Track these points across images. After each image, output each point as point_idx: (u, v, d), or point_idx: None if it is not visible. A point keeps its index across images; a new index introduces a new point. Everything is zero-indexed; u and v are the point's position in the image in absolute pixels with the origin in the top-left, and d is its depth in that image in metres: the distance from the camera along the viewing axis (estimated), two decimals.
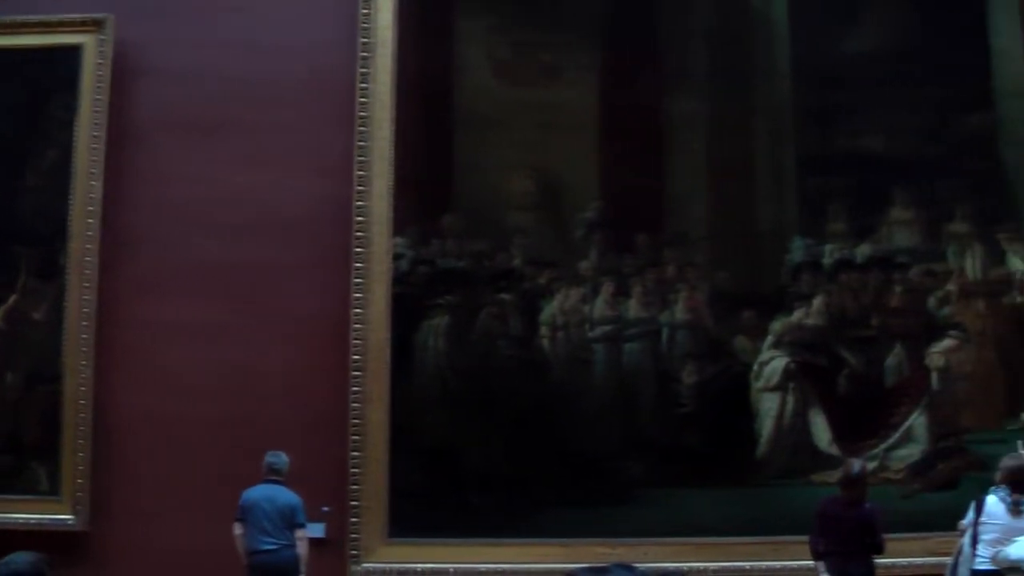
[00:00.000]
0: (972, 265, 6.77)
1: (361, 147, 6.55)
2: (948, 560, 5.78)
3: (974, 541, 5.61)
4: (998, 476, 5.66)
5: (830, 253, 6.71)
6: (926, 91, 6.83)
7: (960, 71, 6.87)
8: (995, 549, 5.10)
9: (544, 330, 6.61)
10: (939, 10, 6.96)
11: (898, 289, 6.71)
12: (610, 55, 6.79)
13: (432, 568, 6.34)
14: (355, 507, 6.35)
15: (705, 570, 6.33)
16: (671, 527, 6.44)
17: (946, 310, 6.75)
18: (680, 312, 6.65)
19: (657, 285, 6.66)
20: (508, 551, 6.37)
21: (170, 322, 6.57)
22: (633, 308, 6.65)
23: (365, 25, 6.61)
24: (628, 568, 2.58)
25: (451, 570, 6.34)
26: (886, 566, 6.08)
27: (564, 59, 6.70)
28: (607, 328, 6.64)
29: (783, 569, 6.28)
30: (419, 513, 6.39)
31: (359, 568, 6.34)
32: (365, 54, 6.59)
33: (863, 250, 6.73)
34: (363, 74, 6.57)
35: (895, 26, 6.97)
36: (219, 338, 6.56)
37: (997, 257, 6.79)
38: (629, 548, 6.09)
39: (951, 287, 6.75)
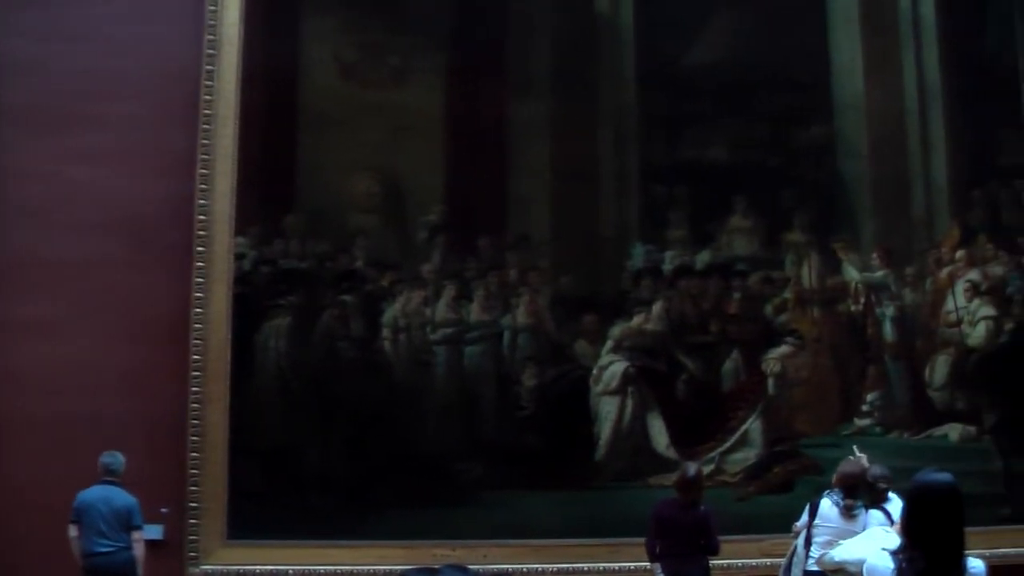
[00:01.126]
0: (809, 273, 7.40)
1: (205, 145, 6.87)
2: (782, 561, 6.31)
3: (807, 543, 6.11)
4: (833, 480, 6.21)
5: (671, 259, 7.27)
6: (768, 103, 7.48)
7: (801, 85, 7.57)
8: (822, 551, 5.51)
9: (386, 332, 7.02)
10: (783, 24, 7.59)
11: (736, 296, 7.32)
12: (456, 58, 7.27)
13: (271, 570, 6.65)
14: (194, 508, 6.62)
15: (544, 572, 6.78)
16: (510, 529, 6.87)
17: (783, 317, 7.36)
18: (521, 316, 7.13)
19: (499, 288, 7.14)
20: (348, 552, 6.72)
21: (8, 320, 6.81)
22: (475, 311, 7.10)
23: (212, 22, 6.96)
24: (461, 569, 2.86)
25: (290, 572, 6.65)
26: (721, 568, 6.62)
27: (410, 61, 7.14)
28: (448, 331, 7.07)
29: (620, 571, 6.66)
30: (259, 514, 6.70)
31: (197, 570, 6.60)
32: (211, 51, 6.95)
33: (703, 257, 7.31)
34: (208, 71, 6.92)
35: (740, 38, 7.60)
36: (57, 336, 6.78)
37: (833, 266, 7.45)
38: (469, 550, 6.53)
39: (788, 294, 7.37)
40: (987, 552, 6.49)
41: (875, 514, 5.91)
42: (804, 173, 7.47)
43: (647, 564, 6.30)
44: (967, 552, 3.21)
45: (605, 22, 7.44)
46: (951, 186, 7.65)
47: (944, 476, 3.29)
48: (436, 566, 2.83)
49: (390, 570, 6.45)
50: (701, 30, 7.58)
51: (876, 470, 6.18)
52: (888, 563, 3.16)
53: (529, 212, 7.26)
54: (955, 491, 3.24)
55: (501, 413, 7.08)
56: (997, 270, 7.58)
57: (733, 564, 6.73)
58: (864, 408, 7.35)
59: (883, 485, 5.91)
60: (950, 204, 7.63)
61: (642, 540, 6.32)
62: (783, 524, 6.34)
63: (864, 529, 5.79)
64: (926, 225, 7.61)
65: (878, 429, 7.35)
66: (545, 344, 7.15)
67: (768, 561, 6.59)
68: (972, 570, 3.20)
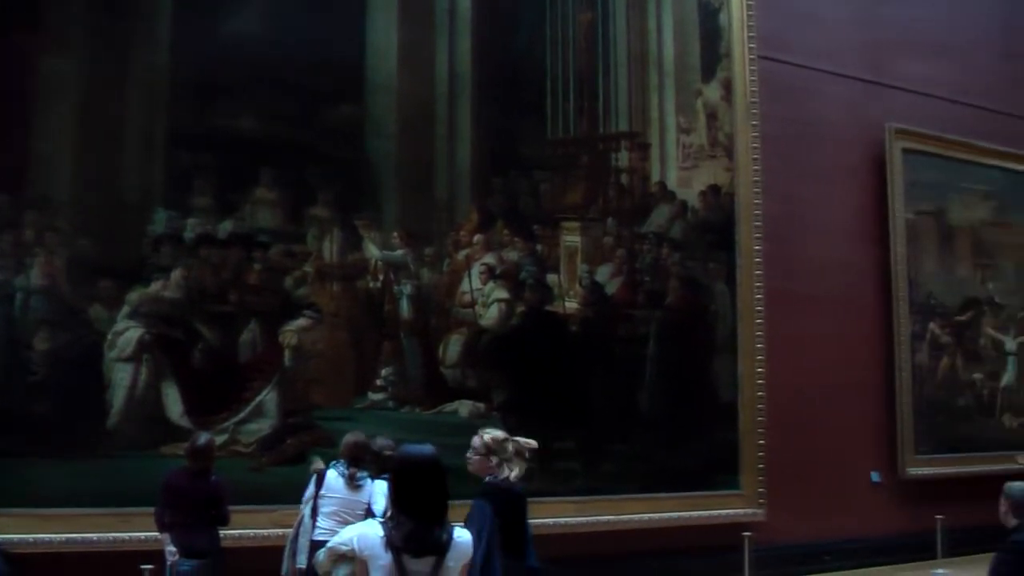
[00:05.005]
0: (330, 248, 9.19)
1: None
2: (290, 532, 7.76)
3: (314, 513, 7.62)
4: (339, 451, 7.81)
5: (192, 227, 8.71)
6: (301, 79, 9.16)
7: (335, 64, 9.38)
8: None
9: None
10: (322, 1, 9.37)
11: (257, 267, 8.89)
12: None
13: None
14: None
15: (52, 542, 7.86)
16: (17, 497, 7.88)
17: (302, 290, 9.08)
18: (35, 277, 8.29)
19: (13, 248, 8.28)
20: None
21: None
22: None
23: None
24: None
25: None
26: (233, 537, 8.04)
27: None
28: None
29: (131, 540, 7.68)
30: None
31: None
32: None
33: (225, 226, 8.81)
34: None
35: (278, 10, 9.26)
36: None
37: (355, 242, 9.27)
38: None
39: (309, 268, 9.10)
40: None
41: (380, 484, 7.46)
42: (332, 150, 9.19)
43: (158, 534, 7.30)
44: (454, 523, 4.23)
45: None
46: (473, 172, 9.84)
47: (426, 448, 4.20)
48: None
49: None
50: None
51: (381, 441, 7.87)
52: (378, 531, 3.99)
53: (51, 171, 8.43)
54: (436, 462, 4.13)
55: (9, 378, 8.11)
56: (512, 255, 9.94)
57: (244, 534, 8.24)
58: (378, 383, 9.26)
59: (389, 454, 7.11)
60: (471, 190, 9.85)
61: (152, 510, 7.30)
62: (296, 495, 7.88)
63: (369, 498, 7.52)
64: (447, 208, 9.72)
65: (391, 403, 9.29)
66: (60, 307, 8.28)
67: (279, 531, 7.84)
68: (458, 539, 4.06)
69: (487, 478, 5.94)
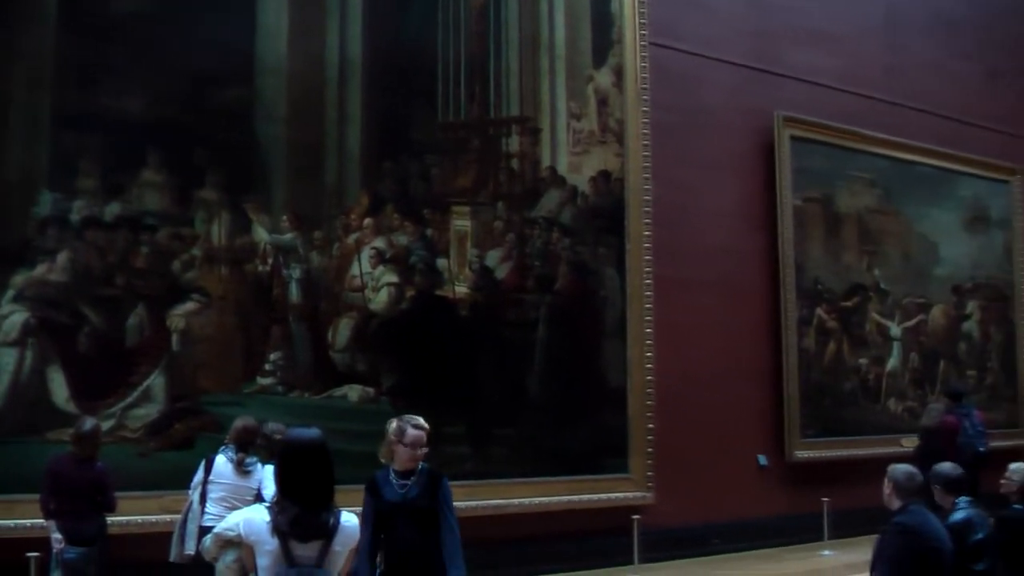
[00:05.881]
0: (219, 232, 9.48)
1: None
2: (178, 517, 7.95)
3: (203, 499, 7.86)
4: (228, 436, 8.10)
5: (79, 209, 8.91)
6: (190, 59, 9.46)
7: (225, 44, 9.66)
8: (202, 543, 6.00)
9: None
10: None
11: (144, 250, 9.14)
12: None
13: None
14: None
15: None
16: None
17: (190, 274, 9.35)
18: None
19: None
20: None
21: None
22: None
23: None
24: None
25: None
26: (121, 524, 8.31)
27: None
28: None
29: (16, 527, 7.86)
30: None
31: None
32: None
33: (112, 209, 9.05)
34: None
35: None
36: None
37: (244, 226, 9.55)
38: None
39: (197, 252, 9.37)
40: None
41: (270, 469, 7.37)
42: (221, 132, 9.45)
43: (44, 521, 7.47)
44: (344, 508, 4.16)
45: None
46: (364, 156, 10.21)
47: (312, 432, 4.25)
48: None
49: None
50: None
51: (272, 425, 8.13)
52: (265, 516, 4.05)
53: None
54: (322, 446, 4.19)
55: None
56: (402, 239, 10.34)
57: (132, 520, 8.51)
58: (267, 367, 9.58)
59: (279, 438, 6.82)
60: (361, 173, 10.23)
61: (37, 496, 7.50)
62: (183, 480, 7.89)
63: (258, 484, 7.78)
64: (337, 192, 10.08)
65: (280, 388, 9.62)
66: None
67: (168, 517, 8.03)
68: (345, 523, 4.12)
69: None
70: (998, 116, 16.71)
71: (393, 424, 5.89)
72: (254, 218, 9.72)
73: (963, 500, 7.56)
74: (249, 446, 7.99)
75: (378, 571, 5.72)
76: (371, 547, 5.85)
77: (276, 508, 4.09)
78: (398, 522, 5.70)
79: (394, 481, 5.78)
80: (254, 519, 4.11)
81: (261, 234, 9.58)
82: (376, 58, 10.47)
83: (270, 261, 9.57)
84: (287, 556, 4.03)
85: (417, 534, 5.69)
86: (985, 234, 15.86)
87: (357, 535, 4.24)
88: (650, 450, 11.47)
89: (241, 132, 9.75)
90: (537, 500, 10.61)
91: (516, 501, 10.57)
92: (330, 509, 4.12)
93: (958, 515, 7.37)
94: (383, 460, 5.89)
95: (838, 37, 13.74)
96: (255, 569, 4.11)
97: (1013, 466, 8.29)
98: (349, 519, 4.19)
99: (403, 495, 5.76)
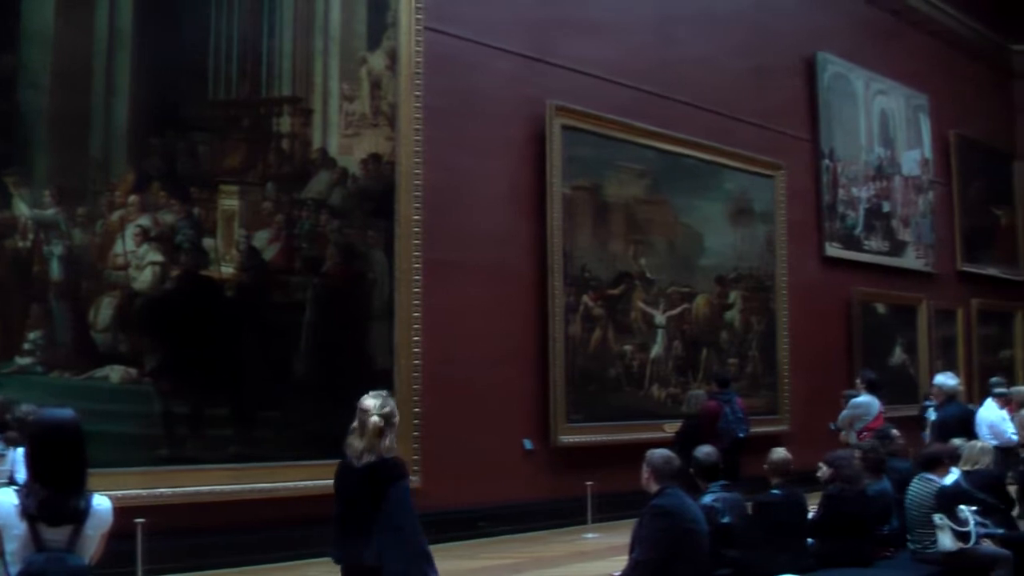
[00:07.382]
0: None
1: None
2: None
3: None
4: None
5: None
6: None
7: None
8: None
9: None
10: None
11: None
12: None
13: None
14: None
15: None
16: None
17: None
18: None
19: None
20: None
21: None
22: None
23: None
24: None
25: None
26: None
27: None
28: None
29: None
30: None
31: None
32: None
33: None
34: None
35: None
36: None
37: (3, 199, 9.57)
38: None
39: None
40: (145, 491, 9.55)
41: (21, 452, 7.36)
42: None
43: None
44: (97, 491, 4.25)
45: None
46: (131, 131, 10.34)
47: (65, 412, 4.30)
48: None
49: None
50: None
51: (26, 407, 8.31)
52: (13, 499, 4.06)
53: None
54: (75, 427, 4.21)
55: None
56: (168, 217, 10.54)
57: None
58: (26, 347, 9.63)
59: (32, 419, 6.92)
60: (128, 149, 10.36)
61: None
62: None
63: (11, 468, 7.94)
64: (102, 167, 10.19)
65: (40, 368, 9.67)
66: None
67: None
68: (97, 507, 4.18)
69: None
70: (765, 113, 17.93)
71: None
72: (14, 192, 9.71)
73: (715, 485, 8.28)
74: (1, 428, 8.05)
75: None
76: None
77: (25, 491, 4.12)
78: None
79: None
80: (2, 502, 4.11)
81: (22, 208, 9.52)
82: (147, 30, 10.59)
83: (31, 237, 9.56)
84: (36, 541, 4.05)
85: None
86: (749, 227, 17.22)
87: (110, 519, 4.30)
88: (416, 434, 12.13)
89: (2, 100, 9.78)
90: (304, 484, 10.86)
91: (283, 485, 10.92)
92: (82, 493, 4.17)
93: (706, 499, 8.13)
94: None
95: (612, 29, 14.54)
96: (2, 554, 4.10)
97: (775, 452, 9.08)
98: (101, 502, 4.24)
99: None
